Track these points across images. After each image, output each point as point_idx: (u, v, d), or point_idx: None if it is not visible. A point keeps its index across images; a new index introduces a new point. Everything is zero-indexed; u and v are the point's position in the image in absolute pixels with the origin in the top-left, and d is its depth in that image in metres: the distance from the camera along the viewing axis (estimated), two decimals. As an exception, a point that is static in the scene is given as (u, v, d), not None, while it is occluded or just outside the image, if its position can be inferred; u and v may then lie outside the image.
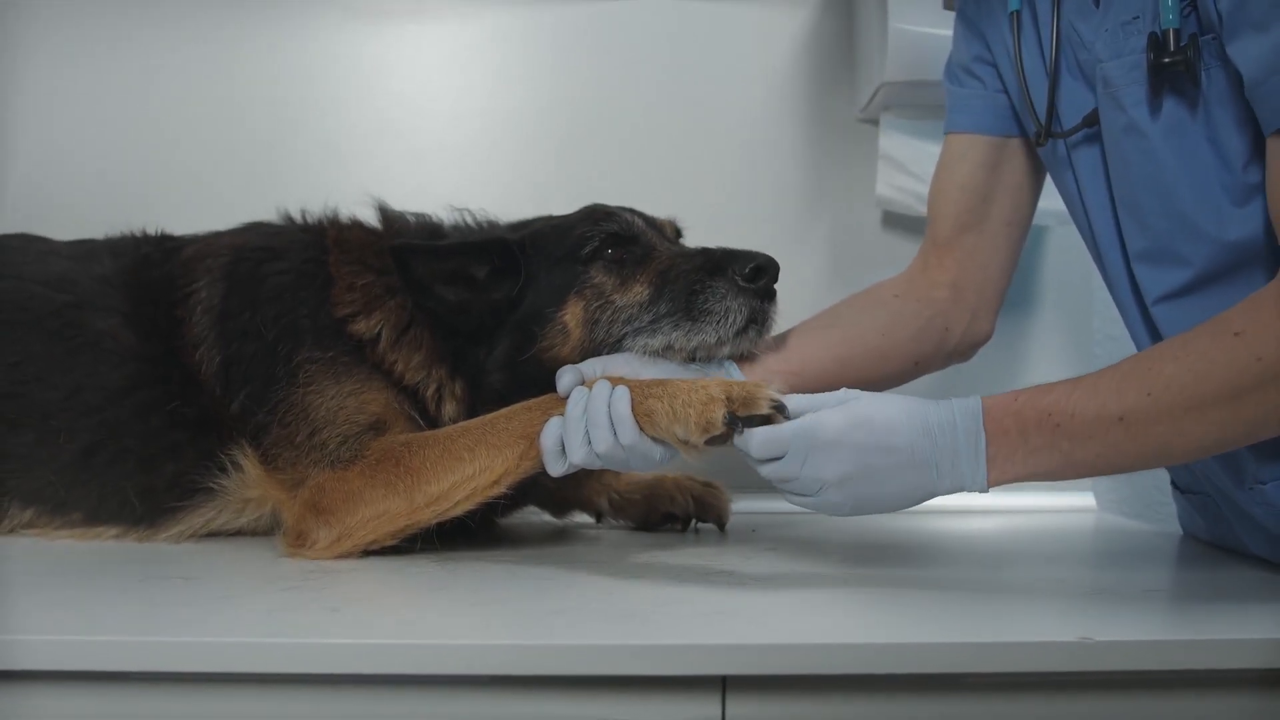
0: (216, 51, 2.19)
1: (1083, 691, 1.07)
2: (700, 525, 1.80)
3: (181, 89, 2.18)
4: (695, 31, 2.21)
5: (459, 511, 1.38)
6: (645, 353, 1.47)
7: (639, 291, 1.50)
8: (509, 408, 1.42)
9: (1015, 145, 1.67)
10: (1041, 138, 1.54)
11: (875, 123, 2.16)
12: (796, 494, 1.28)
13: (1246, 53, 1.24)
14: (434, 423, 1.52)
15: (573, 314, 1.50)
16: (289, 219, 1.70)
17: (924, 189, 2.09)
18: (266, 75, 2.19)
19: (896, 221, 2.19)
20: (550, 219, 1.63)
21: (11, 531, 1.59)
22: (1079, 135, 1.49)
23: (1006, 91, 1.65)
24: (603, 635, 1.07)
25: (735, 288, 1.46)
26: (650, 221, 1.62)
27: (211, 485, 1.51)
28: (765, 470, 1.27)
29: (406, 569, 1.36)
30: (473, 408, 1.52)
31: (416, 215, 1.69)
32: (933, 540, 1.76)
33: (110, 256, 1.69)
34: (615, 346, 1.49)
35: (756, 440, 1.25)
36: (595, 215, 1.58)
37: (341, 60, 2.21)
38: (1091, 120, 1.46)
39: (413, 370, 1.52)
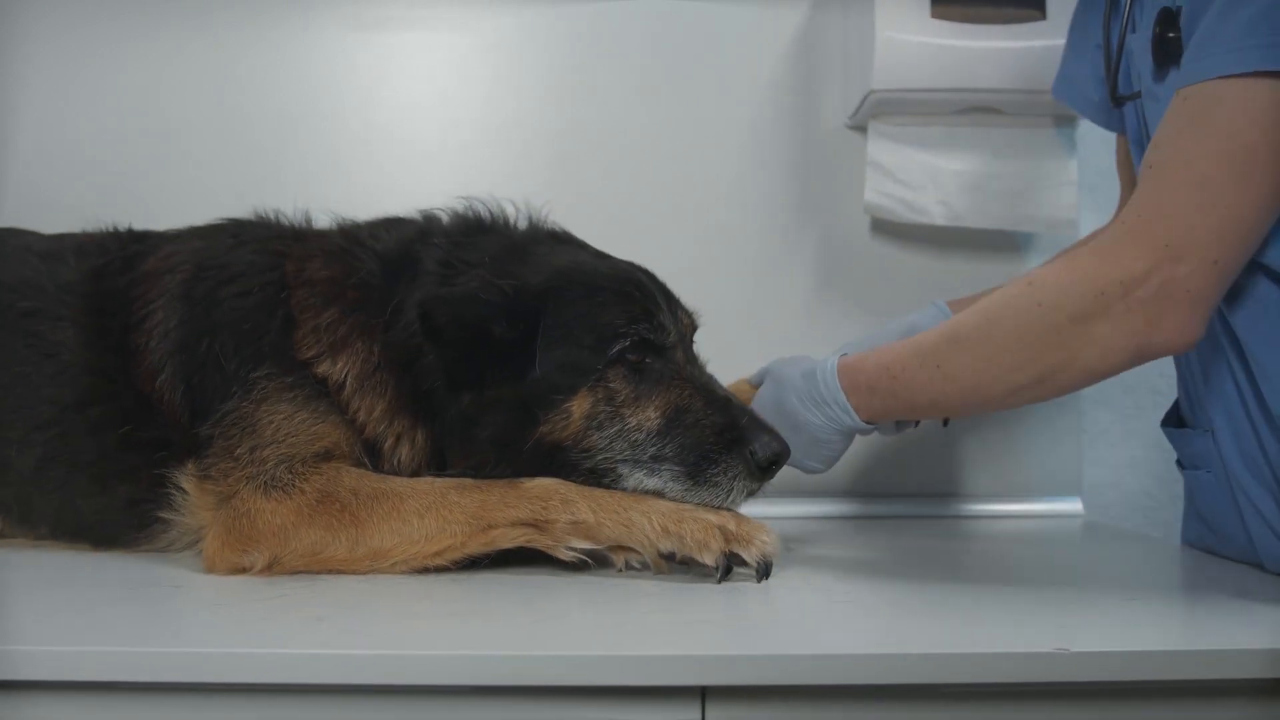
0: (216, 56, 2.20)
1: (1061, 701, 1.08)
2: None
3: (181, 93, 2.19)
4: (685, 41, 2.22)
5: (395, 572, 1.36)
6: (639, 489, 1.41)
7: (650, 416, 1.43)
8: (470, 480, 1.40)
9: None
10: (1110, 99, 1.61)
11: (863, 130, 2.16)
12: None
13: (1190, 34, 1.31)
14: (384, 466, 1.47)
15: (580, 406, 1.42)
16: (260, 217, 1.67)
17: (912, 195, 2.11)
18: (266, 81, 2.20)
19: (885, 228, 2.20)
20: (580, 263, 1.51)
21: None
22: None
23: None
24: (583, 645, 1.08)
25: (748, 469, 1.40)
26: (674, 314, 1.53)
27: (164, 515, 1.47)
28: None
29: (390, 579, 1.36)
30: (438, 454, 1.47)
31: (379, 236, 1.59)
32: (916, 547, 1.77)
33: (76, 258, 1.66)
34: (611, 461, 1.42)
35: None
36: (633, 308, 1.46)
37: (340, 68, 2.21)
38: (1138, 95, 1.53)
39: (374, 421, 1.47)
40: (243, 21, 2.20)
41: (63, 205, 2.08)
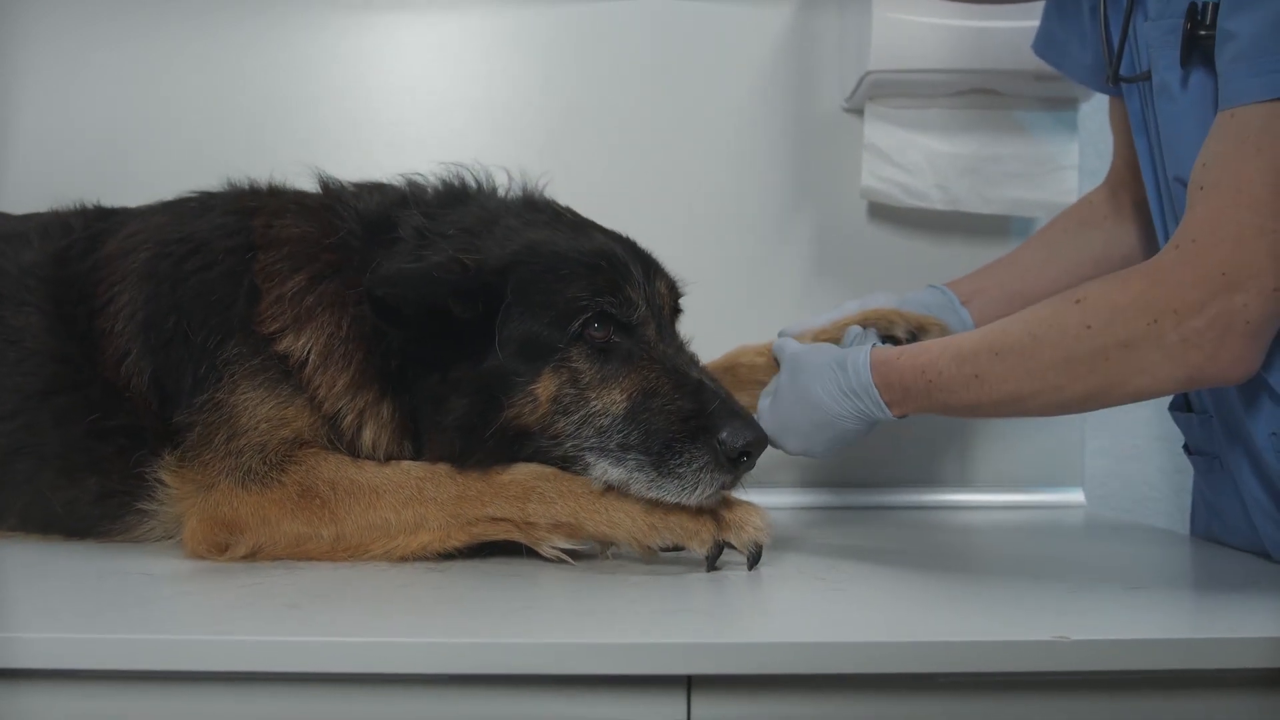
0: (205, 42, 2.18)
1: (1060, 691, 1.05)
2: None
3: (175, 82, 2.18)
4: (681, 23, 2.19)
5: (380, 561, 1.34)
6: (603, 480, 1.34)
7: (616, 399, 1.36)
8: (445, 468, 1.36)
9: None
10: (1110, 80, 1.57)
11: (860, 113, 2.13)
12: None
13: (1226, 29, 1.27)
14: (351, 446, 1.42)
15: (545, 388, 1.35)
16: (232, 185, 1.62)
17: (909, 179, 2.08)
18: (255, 65, 2.18)
19: (882, 213, 2.17)
20: (550, 235, 1.43)
21: None
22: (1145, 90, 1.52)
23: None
24: (567, 634, 1.05)
25: (715, 460, 1.31)
26: (651, 286, 1.44)
27: (143, 507, 1.44)
28: None
29: (367, 565, 1.34)
30: (407, 431, 1.42)
31: (363, 197, 1.56)
32: (914, 537, 1.75)
33: (40, 240, 1.61)
34: (579, 449, 1.35)
35: None
36: (597, 280, 1.38)
37: (327, 51, 2.19)
38: (1145, 76, 1.49)
39: (333, 397, 1.40)
40: (241, 20, 2.19)
41: (62, 197, 2.07)
